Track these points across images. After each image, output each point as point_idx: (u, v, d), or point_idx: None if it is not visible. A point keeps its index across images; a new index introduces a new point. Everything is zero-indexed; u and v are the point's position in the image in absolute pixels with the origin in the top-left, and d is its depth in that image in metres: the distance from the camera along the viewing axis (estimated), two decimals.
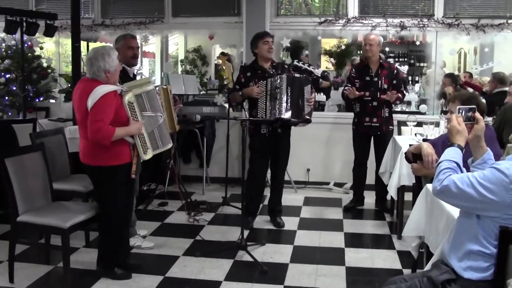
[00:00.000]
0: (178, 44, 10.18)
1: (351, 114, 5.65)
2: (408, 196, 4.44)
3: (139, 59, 5.69)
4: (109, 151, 3.44)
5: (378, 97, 5.29)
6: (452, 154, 2.16)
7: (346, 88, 5.43)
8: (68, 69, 7.45)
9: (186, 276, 3.81)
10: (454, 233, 2.21)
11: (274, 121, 4.70)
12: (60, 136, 4.66)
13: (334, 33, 6.72)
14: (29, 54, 7.18)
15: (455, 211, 2.34)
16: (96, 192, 3.79)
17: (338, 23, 6.53)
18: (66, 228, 3.42)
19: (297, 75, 4.82)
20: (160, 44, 9.22)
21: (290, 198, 6.01)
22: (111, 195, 3.56)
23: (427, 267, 2.39)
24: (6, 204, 3.59)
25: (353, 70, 5.62)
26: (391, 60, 9.14)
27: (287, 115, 4.64)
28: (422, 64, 10.16)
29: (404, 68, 7.36)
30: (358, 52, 8.43)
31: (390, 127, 5.45)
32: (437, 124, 4.87)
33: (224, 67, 9.16)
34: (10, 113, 6.99)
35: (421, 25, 6.33)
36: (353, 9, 6.52)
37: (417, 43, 9.46)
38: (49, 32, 6.42)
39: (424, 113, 6.49)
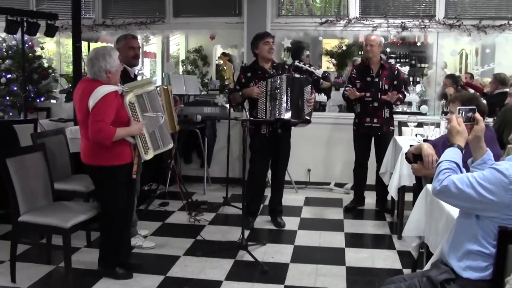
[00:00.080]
0: (179, 44, 10.19)
1: (352, 115, 5.66)
2: (408, 197, 4.45)
3: (140, 59, 5.70)
4: (110, 151, 3.45)
5: (379, 98, 5.29)
6: (452, 154, 2.17)
7: (346, 88, 5.44)
8: (69, 69, 7.47)
9: (187, 275, 3.82)
10: (453, 233, 2.21)
11: (274, 121, 4.71)
12: (61, 136, 4.67)
13: (335, 33, 6.73)
14: (30, 54, 7.19)
15: (454, 211, 2.35)
16: (97, 192, 3.80)
17: (339, 23, 6.53)
18: (67, 228, 3.43)
19: (297, 75, 4.83)
20: (161, 44, 9.22)
21: (290, 198, 6.01)
22: (112, 195, 3.57)
23: (427, 266, 2.40)
24: (7, 204, 3.60)
25: (354, 70, 5.62)
26: (392, 61, 9.13)
27: (287, 115, 4.65)
28: (423, 65, 10.14)
29: (405, 69, 7.37)
30: (359, 53, 8.43)
31: (391, 127, 5.46)
32: (437, 125, 4.88)
33: (225, 68, 9.16)
34: (11, 114, 7.00)
35: (422, 26, 6.33)
36: (354, 9, 6.52)
37: (418, 44, 9.45)
38: (50, 32, 6.43)
39: (425, 114, 6.49)
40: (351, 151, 5.70)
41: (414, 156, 3.26)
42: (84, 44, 6.50)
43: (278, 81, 4.64)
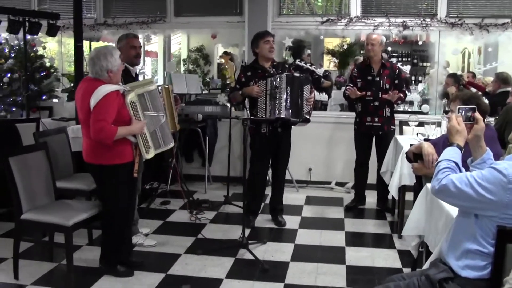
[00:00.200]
0: (180, 43, 10.20)
1: (353, 114, 5.66)
2: (409, 196, 4.45)
3: (141, 59, 5.71)
4: (112, 150, 3.47)
5: (380, 97, 5.29)
6: (451, 153, 2.17)
7: (347, 88, 5.44)
8: (70, 68, 7.49)
9: (187, 273, 3.83)
10: (452, 232, 2.22)
11: (275, 120, 4.72)
12: (63, 135, 4.69)
13: (336, 32, 6.71)
14: (32, 54, 7.22)
15: (454, 211, 2.36)
16: (98, 191, 3.82)
17: (341, 22, 6.52)
18: (69, 226, 3.45)
19: (296, 74, 4.82)
20: (163, 43, 9.24)
21: (291, 197, 6.02)
22: (114, 194, 3.59)
23: (426, 265, 2.41)
24: (10, 202, 3.62)
25: (355, 69, 5.62)
26: (394, 60, 9.13)
27: (286, 114, 4.66)
28: (425, 64, 10.13)
29: (406, 68, 7.37)
30: (361, 52, 8.43)
31: (392, 126, 5.45)
32: (438, 124, 4.88)
33: (226, 67, 9.18)
34: (13, 112, 7.03)
35: (424, 25, 6.32)
36: (355, 8, 6.51)
37: (420, 42, 9.45)
38: (52, 31, 6.45)
39: (426, 113, 6.49)
40: (352, 150, 5.70)
41: (415, 155, 3.27)
42: (85, 44, 6.52)
43: (278, 80, 4.65)
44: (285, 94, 4.64)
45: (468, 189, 1.99)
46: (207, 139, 6.39)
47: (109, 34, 7.16)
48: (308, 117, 4.85)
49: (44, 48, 7.48)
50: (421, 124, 5.23)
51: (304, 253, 4.31)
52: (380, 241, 4.69)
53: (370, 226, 5.13)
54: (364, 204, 5.74)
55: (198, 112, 6.04)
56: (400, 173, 4.55)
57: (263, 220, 5.16)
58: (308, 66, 7.52)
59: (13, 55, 7.20)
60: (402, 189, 4.68)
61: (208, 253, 4.20)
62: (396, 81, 5.38)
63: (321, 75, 7.72)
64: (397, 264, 4.06)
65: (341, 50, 8.89)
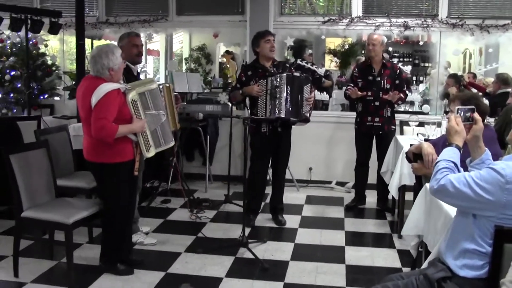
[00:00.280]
0: (182, 42, 10.21)
1: (354, 114, 5.67)
2: (409, 196, 4.45)
3: (143, 57, 5.73)
4: (112, 148, 3.48)
5: (380, 97, 5.30)
6: (450, 154, 2.18)
7: (348, 88, 5.45)
8: (72, 66, 7.50)
9: (187, 272, 3.84)
10: (450, 232, 2.23)
11: (275, 120, 4.72)
12: (64, 133, 4.70)
13: (337, 32, 6.71)
14: (34, 52, 7.22)
15: (453, 211, 2.36)
16: (99, 189, 3.83)
17: (342, 22, 6.52)
18: (70, 224, 3.46)
19: (296, 74, 4.82)
20: (165, 42, 9.25)
21: (292, 196, 6.03)
22: (114, 192, 3.60)
23: (424, 265, 2.42)
24: (10, 200, 3.63)
25: (356, 69, 5.63)
26: (395, 60, 9.14)
27: (286, 114, 4.66)
28: (426, 64, 10.14)
29: (407, 68, 7.37)
30: (363, 52, 8.44)
31: (392, 126, 5.46)
32: (439, 124, 4.88)
33: (228, 66, 9.20)
34: (15, 110, 7.04)
35: (425, 25, 6.32)
36: (357, 8, 6.51)
37: (421, 43, 9.46)
38: (54, 29, 6.46)
39: (427, 113, 6.49)
40: (352, 150, 5.71)
41: (414, 155, 3.28)
42: (87, 42, 6.53)
43: (278, 79, 4.65)
44: (285, 94, 4.64)
45: (466, 189, 2.00)
46: (208, 138, 6.40)
47: (111, 33, 7.17)
48: (307, 116, 4.86)
49: (46, 46, 7.50)
50: (421, 124, 5.24)
51: (304, 253, 4.32)
52: (380, 240, 4.70)
53: (370, 225, 5.14)
54: (364, 204, 5.75)
55: (199, 111, 6.05)
56: (400, 173, 4.56)
57: (263, 219, 5.16)
58: (309, 65, 7.54)
59: (15, 51, 7.20)
60: (402, 189, 4.69)
61: (208, 251, 4.21)
62: (397, 81, 5.39)
63: (322, 74, 7.73)
64: (397, 264, 4.07)
65: (343, 50, 8.91)
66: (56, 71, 7.54)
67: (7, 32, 6.92)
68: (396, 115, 5.57)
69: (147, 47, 9.32)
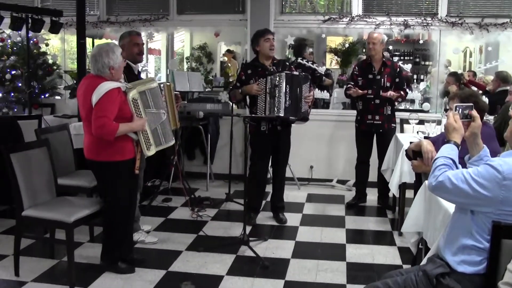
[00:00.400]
0: (183, 41, 10.23)
1: (354, 112, 5.68)
2: (409, 193, 4.47)
3: (144, 56, 5.75)
4: (113, 147, 3.49)
5: (381, 95, 5.31)
6: (448, 151, 2.19)
7: (348, 86, 5.46)
8: (73, 65, 7.52)
9: (188, 270, 3.85)
10: (449, 228, 2.24)
11: (275, 118, 4.73)
12: (65, 132, 4.71)
13: (338, 31, 6.73)
14: (35, 51, 7.24)
15: (452, 207, 2.37)
16: (100, 188, 3.84)
17: (342, 21, 6.54)
18: (71, 222, 3.46)
19: (295, 73, 4.83)
20: (166, 41, 9.27)
21: (293, 194, 6.04)
22: (115, 191, 3.61)
23: (423, 261, 2.42)
24: (11, 199, 3.64)
25: (356, 68, 5.64)
26: (396, 59, 9.14)
27: (285, 113, 4.66)
28: (427, 63, 10.14)
29: (407, 67, 7.37)
30: (363, 50, 8.44)
31: (393, 124, 5.47)
32: (439, 122, 4.88)
33: (229, 64, 9.21)
34: (16, 109, 7.06)
35: (424, 24, 6.33)
36: (357, 7, 6.53)
37: (421, 41, 9.45)
38: (55, 28, 6.48)
39: (427, 111, 6.50)
40: (353, 148, 5.72)
41: (414, 153, 3.27)
42: (88, 41, 6.54)
43: (277, 78, 4.65)
44: (284, 93, 4.64)
45: (464, 186, 2.01)
46: (209, 137, 6.41)
47: (112, 32, 7.19)
48: (306, 115, 4.86)
49: (47, 45, 7.51)
50: (421, 122, 5.24)
51: (305, 250, 4.33)
52: (381, 238, 4.71)
53: (370, 223, 5.15)
54: (365, 202, 5.76)
55: (199, 109, 6.06)
56: (400, 171, 4.56)
57: (264, 218, 5.18)
58: (310, 64, 7.54)
59: (16, 50, 7.22)
60: (403, 186, 4.70)
61: (209, 250, 4.22)
62: (397, 80, 5.40)
63: (323, 73, 7.74)
64: (397, 261, 4.08)
65: (343, 48, 8.91)
66: (57, 70, 7.56)
67: (8, 31, 6.95)
68: (396, 113, 5.58)
69: (148, 46, 9.35)
